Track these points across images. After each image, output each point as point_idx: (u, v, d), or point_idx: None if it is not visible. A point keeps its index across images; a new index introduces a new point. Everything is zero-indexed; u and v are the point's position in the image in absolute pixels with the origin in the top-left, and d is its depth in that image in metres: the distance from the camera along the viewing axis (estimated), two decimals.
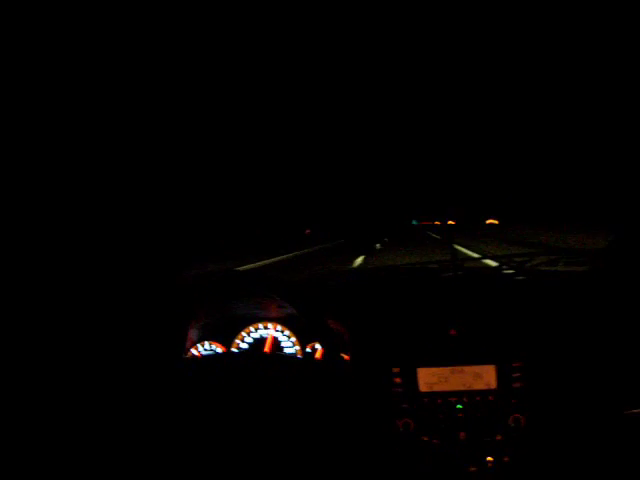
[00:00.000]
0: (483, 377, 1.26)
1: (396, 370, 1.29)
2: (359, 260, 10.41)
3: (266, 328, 1.60)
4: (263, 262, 11.49)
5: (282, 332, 1.59)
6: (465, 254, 9.52)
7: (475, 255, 9.63)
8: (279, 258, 12.74)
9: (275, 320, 1.60)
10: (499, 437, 1.22)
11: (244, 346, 1.59)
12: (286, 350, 1.57)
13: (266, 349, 1.56)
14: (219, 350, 1.57)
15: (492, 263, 2.37)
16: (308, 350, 1.56)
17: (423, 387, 1.27)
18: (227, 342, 1.59)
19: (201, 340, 1.58)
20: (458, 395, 1.26)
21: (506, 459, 1.20)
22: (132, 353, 1.19)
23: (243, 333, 1.60)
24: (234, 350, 1.57)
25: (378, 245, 16.19)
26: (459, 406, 1.25)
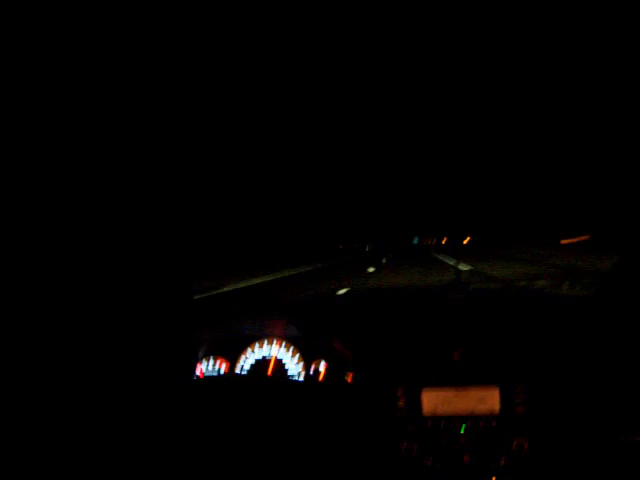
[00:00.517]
0: (487, 401, 1.26)
1: (400, 392, 1.29)
2: (370, 271, 10.56)
3: (270, 345, 1.61)
4: (276, 275, 11.52)
5: (286, 350, 1.59)
6: (468, 274, 9.49)
7: (479, 275, 9.61)
8: (290, 273, 12.76)
9: (280, 338, 1.61)
10: (502, 461, 1.21)
11: (248, 364, 1.59)
12: (290, 369, 1.57)
13: (269, 371, 1.56)
14: (224, 366, 1.58)
15: (497, 285, 2.37)
16: (312, 370, 1.56)
17: (427, 410, 1.27)
18: (232, 359, 1.59)
19: (206, 355, 1.59)
20: (462, 419, 1.25)
21: None
22: (143, 371, 1.20)
23: (248, 350, 1.60)
24: (238, 369, 1.58)
25: (384, 260, 16.37)
26: (462, 430, 1.24)
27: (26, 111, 0.88)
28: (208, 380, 1.54)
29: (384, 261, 16.01)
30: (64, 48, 0.91)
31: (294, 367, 1.57)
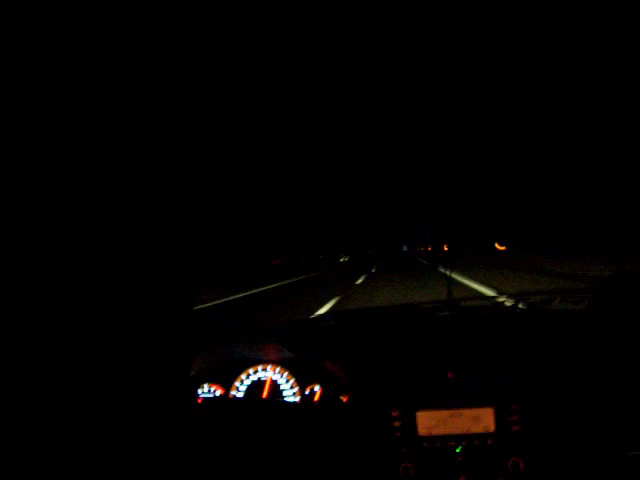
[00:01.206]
0: (482, 420, 1.27)
1: (395, 414, 1.29)
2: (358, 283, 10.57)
3: (265, 370, 1.61)
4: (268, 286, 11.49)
5: (281, 375, 1.59)
6: (461, 289, 9.53)
7: (472, 288, 9.64)
8: (281, 283, 12.72)
9: (274, 362, 1.61)
10: None
11: (243, 388, 1.59)
12: (285, 393, 1.57)
13: (264, 394, 1.56)
14: (218, 392, 1.57)
15: (489, 302, 2.38)
16: (307, 393, 1.56)
17: (422, 431, 1.27)
18: (226, 384, 1.59)
19: (201, 382, 1.59)
20: (457, 439, 1.26)
21: None
22: (143, 390, 1.19)
23: (242, 375, 1.60)
24: (233, 393, 1.57)
25: (374, 269, 16.38)
26: (458, 450, 1.25)
27: (26, 111, 0.88)
28: (204, 402, 1.53)
29: (374, 270, 16.08)
30: (63, 48, 0.92)
31: (289, 390, 1.57)
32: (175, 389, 1.28)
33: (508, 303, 2.03)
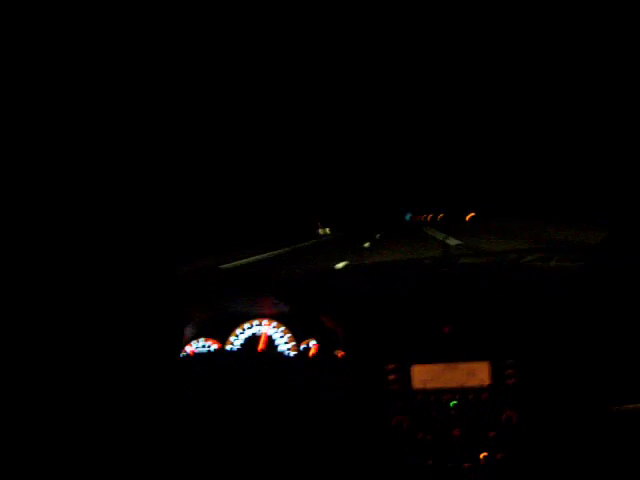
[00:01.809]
0: (477, 374, 1.27)
1: (390, 367, 1.30)
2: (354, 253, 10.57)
3: (260, 325, 1.60)
4: (262, 255, 11.45)
5: (277, 329, 1.59)
6: (458, 249, 9.58)
7: (468, 250, 9.70)
8: (277, 252, 12.69)
9: (270, 317, 1.60)
10: (492, 434, 1.23)
11: (239, 343, 1.59)
12: (280, 347, 1.57)
13: (260, 347, 1.56)
14: (214, 347, 1.57)
15: (486, 259, 2.38)
16: (302, 347, 1.56)
17: (417, 384, 1.28)
18: (222, 339, 1.59)
19: (196, 337, 1.58)
20: (452, 392, 1.26)
21: (499, 455, 1.21)
22: (131, 350, 1.19)
23: (238, 330, 1.60)
24: (228, 348, 1.57)
25: (371, 241, 16.33)
26: (453, 403, 1.26)
27: (26, 111, 0.87)
28: (198, 357, 1.53)
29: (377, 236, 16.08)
30: (63, 48, 0.90)
31: (285, 345, 1.57)
32: (167, 342, 1.27)
33: (505, 260, 2.02)
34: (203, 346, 1.57)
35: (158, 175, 1.21)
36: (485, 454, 1.21)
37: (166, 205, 1.24)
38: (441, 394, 1.27)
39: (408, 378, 1.28)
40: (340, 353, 1.45)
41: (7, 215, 0.86)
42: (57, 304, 0.96)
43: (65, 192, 0.94)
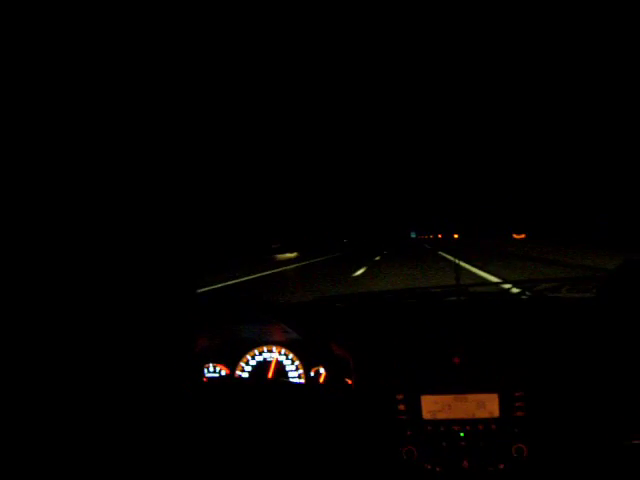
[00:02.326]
0: (486, 406, 1.26)
1: (400, 397, 1.30)
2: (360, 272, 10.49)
3: (270, 352, 1.61)
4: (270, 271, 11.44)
5: (286, 356, 1.60)
6: (469, 275, 9.51)
7: (480, 276, 9.62)
8: (281, 269, 12.67)
9: (280, 344, 1.61)
10: (502, 466, 1.21)
11: (248, 369, 1.60)
12: (290, 374, 1.57)
13: (270, 374, 1.57)
14: (223, 373, 1.59)
15: (497, 288, 2.37)
16: (312, 374, 1.56)
17: (426, 415, 1.27)
18: (232, 365, 1.60)
19: (206, 362, 1.60)
20: (461, 423, 1.26)
21: None
22: (144, 371, 1.20)
23: (248, 356, 1.61)
24: (238, 373, 1.58)
25: (385, 252, 16.16)
26: (462, 434, 1.25)
27: (26, 111, 0.88)
28: (208, 382, 1.55)
29: (385, 252, 15.92)
30: (63, 49, 0.92)
31: (294, 372, 1.58)
32: (179, 368, 1.28)
33: (515, 290, 2.02)
34: (214, 371, 1.59)
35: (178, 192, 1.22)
36: None
37: (194, 225, 1.25)
38: (450, 425, 1.26)
39: (418, 408, 1.28)
40: (349, 381, 1.45)
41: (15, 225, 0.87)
42: (74, 318, 0.97)
43: (81, 207, 0.96)
